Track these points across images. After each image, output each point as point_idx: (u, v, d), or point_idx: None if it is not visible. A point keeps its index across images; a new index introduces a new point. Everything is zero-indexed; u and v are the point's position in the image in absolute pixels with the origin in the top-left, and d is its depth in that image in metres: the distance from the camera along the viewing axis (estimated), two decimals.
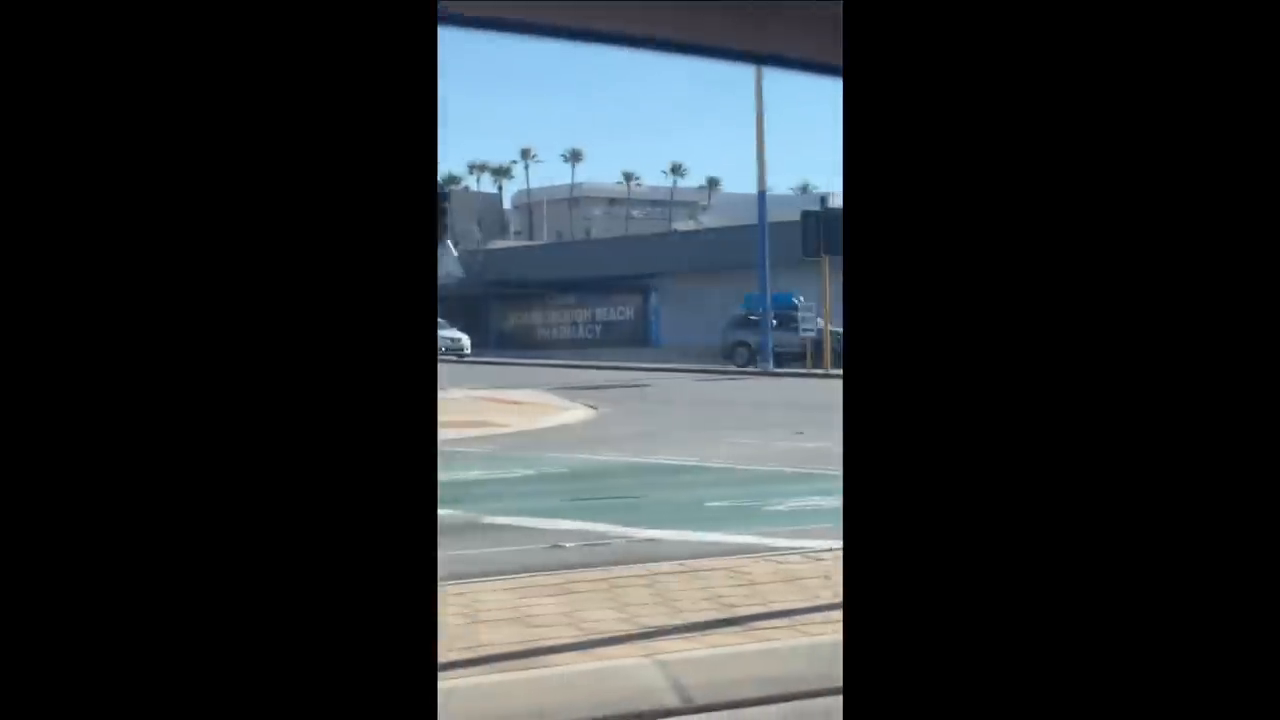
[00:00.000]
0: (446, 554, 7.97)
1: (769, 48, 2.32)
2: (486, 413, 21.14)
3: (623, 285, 47.51)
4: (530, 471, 13.77)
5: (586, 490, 11.88)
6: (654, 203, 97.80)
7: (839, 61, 1.66)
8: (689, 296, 43.77)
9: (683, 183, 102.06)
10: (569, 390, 25.21)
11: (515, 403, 22.44)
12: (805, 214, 27.46)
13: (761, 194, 29.17)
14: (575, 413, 21.63)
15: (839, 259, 27.26)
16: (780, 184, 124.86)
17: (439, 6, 1.60)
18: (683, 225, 68.40)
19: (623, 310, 48.50)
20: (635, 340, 45.81)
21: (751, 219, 46.11)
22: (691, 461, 14.12)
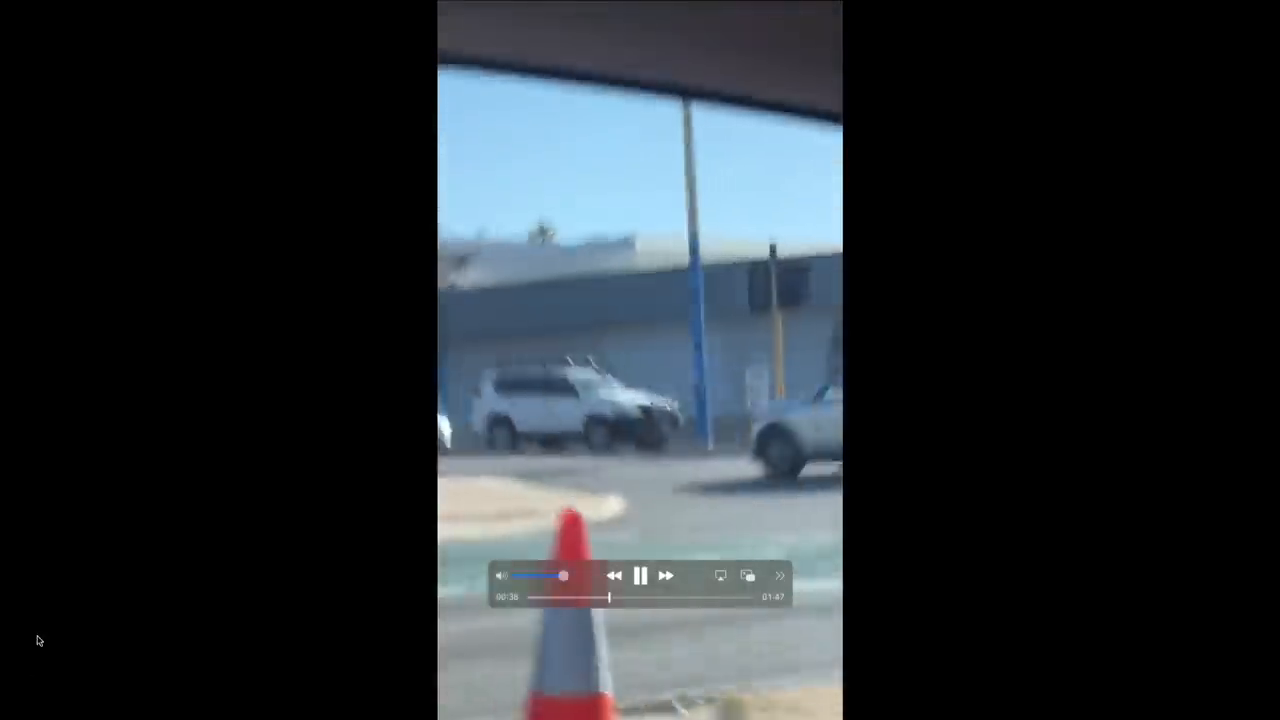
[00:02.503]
0: None
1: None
2: (512, 501, 17.48)
3: None
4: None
5: None
6: None
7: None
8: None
9: None
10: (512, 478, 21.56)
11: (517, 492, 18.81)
12: (755, 264, 25.29)
13: (694, 236, 26.69)
14: (609, 503, 18.14)
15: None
16: (501, 225, 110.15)
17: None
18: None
19: None
20: None
21: (510, 274, 40.87)
22: None
